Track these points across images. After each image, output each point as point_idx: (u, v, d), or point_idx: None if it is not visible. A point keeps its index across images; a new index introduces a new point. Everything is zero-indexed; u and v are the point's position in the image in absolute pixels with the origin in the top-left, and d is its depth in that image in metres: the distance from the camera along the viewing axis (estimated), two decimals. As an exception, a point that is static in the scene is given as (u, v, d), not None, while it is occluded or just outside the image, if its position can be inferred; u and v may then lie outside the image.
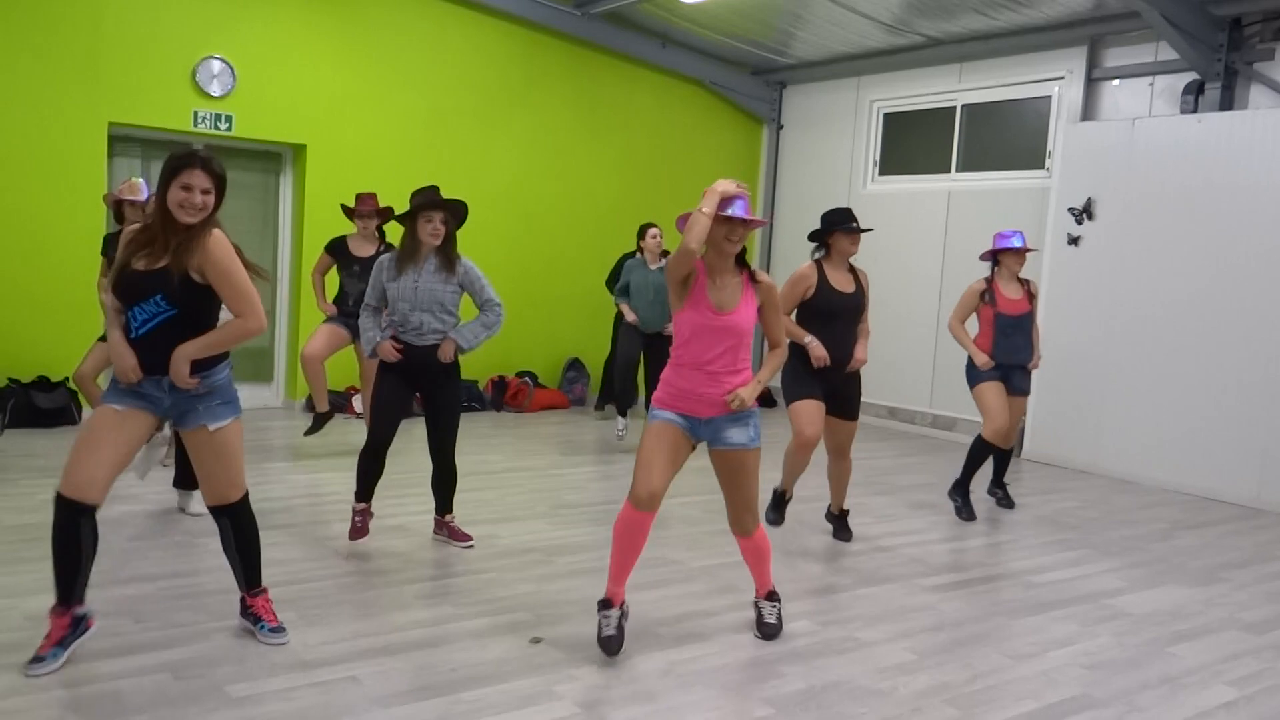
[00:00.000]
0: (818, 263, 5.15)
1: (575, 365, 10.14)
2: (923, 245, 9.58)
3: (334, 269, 6.96)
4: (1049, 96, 8.79)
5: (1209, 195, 7.31)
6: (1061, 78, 8.65)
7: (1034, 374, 6.51)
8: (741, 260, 3.75)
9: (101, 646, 3.51)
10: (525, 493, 6.26)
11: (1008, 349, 6.18)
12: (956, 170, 9.51)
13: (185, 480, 5.32)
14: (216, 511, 3.62)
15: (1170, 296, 7.52)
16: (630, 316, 7.85)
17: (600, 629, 3.70)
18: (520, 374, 9.76)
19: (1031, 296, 6.29)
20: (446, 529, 5.08)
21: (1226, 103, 7.55)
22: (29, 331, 7.52)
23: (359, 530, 4.81)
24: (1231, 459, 7.18)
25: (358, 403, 8.56)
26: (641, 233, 7.98)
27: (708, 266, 3.68)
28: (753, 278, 3.76)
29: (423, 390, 4.80)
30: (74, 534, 3.29)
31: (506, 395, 9.52)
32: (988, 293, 6.21)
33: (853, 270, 5.21)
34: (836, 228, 5.09)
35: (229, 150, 8.36)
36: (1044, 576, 5.12)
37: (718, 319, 3.65)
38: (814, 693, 3.52)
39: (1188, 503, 7.11)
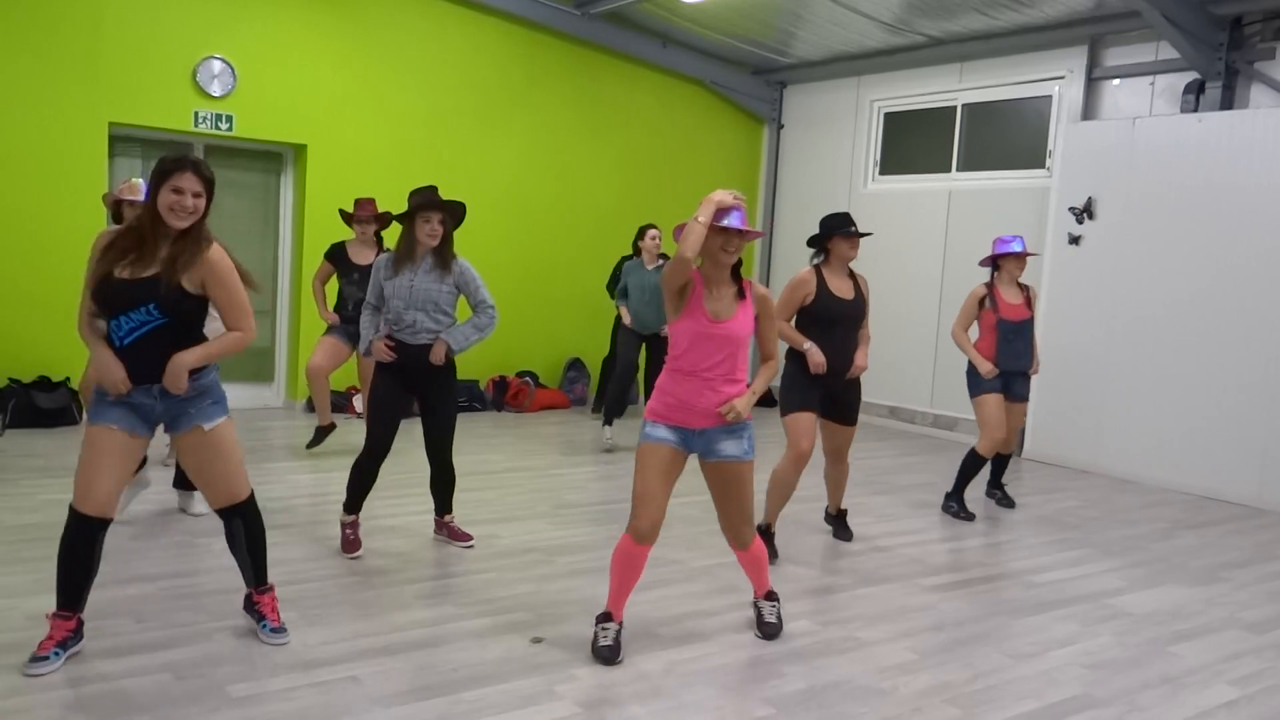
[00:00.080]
0: (817, 268, 5.09)
1: (576, 365, 10.13)
2: (923, 245, 9.58)
3: (333, 276, 6.96)
4: (1049, 96, 8.79)
5: (1210, 195, 7.31)
6: (1062, 77, 8.64)
7: (1033, 378, 6.50)
8: (736, 272, 3.76)
9: (102, 646, 3.52)
10: (526, 493, 6.26)
11: (1010, 355, 6.16)
12: (957, 170, 9.51)
13: (185, 480, 5.33)
14: (228, 513, 3.60)
15: (1171, 296, 7.51)
16: (628, 319, 7.84)
17: (597, 638, 3.69)
18: (521, 374, 9.76)
19: (1030, 302, 6.28)
20: (446, 529, 5.08)
21: (1227, 102, 7.55)
22: (29, 332, 7.52)
23: (353, 543, 4.79)
24: (1232, 458, 7.18)
25: (358, 402, 8.56)
26: (640, 234, 7.97)
27: (704, 277, 3.69)
28: (748, 288, 3.78)
29: (418, 392, 4.79)
30: (91, 548, 3.35)
31: (507, 395, 9.52)
32: (989, 298, 6.16)
33: (852, 276, 5.16)
34: (835, 232, 5.04)
35: (229, 150, 8.37)
36: (1045, 576, 5.12)
37: (715, 327, 3.65)
38: (815, 692, 3.52)
39: (1188, 502, 7.10)
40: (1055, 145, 8.55)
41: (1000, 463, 6.64)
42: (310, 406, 8.57)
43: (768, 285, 11.16)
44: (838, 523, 5.61)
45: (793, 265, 10.25)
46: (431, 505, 5.10)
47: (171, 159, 3.31)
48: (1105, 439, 7.90)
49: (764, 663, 3.77)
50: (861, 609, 4.43)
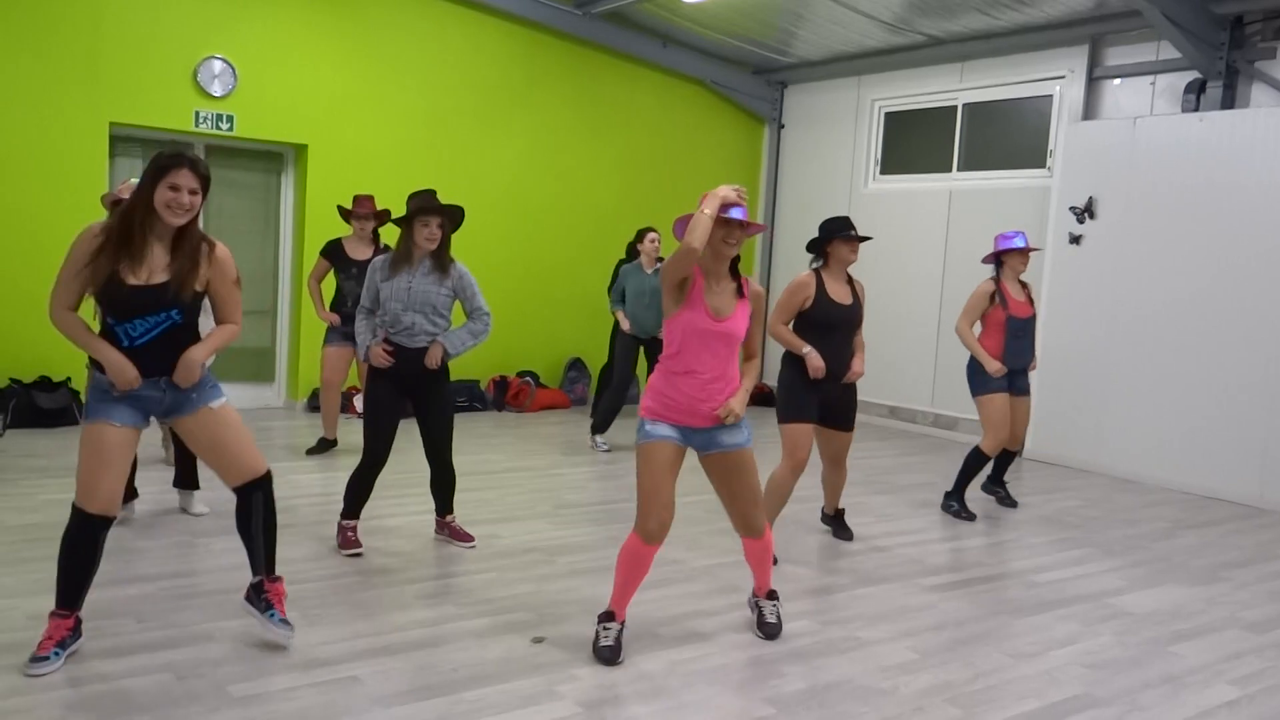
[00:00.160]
0: (816, 272, 5.06)
1: (576, 365, 10.13)
2: (924, 245, 9.58)
3: (330, 273, 6.96)
4: (1050, 95, 8.79)
5: (1210, 194, 7.30)
6: (1063, 77, 8.64)
7: (1031, 374, 6.49)
8: (734, 268, 3.76)
9: (103, 646, 3.52)
10: (526, 492, 6.26)
11: (1016, 352, 6.15)
12: (958, 169, 9.51)
13: (185, 480, 5.33)
14: (250, 488, 3.53)
15: (1172, 295, 7.51)
16: (625, 325, 7.78)
17: (599, 638, 3.69)
18: (521, 374, 9.76)
19: (1032, 299, 6.28)
20: (448, 529, 5.08)
21: (1228, 101, 7.54)
22: (30, 332, 7.51)
23: (353, 543, 4.79)
24: (1233, 458, 7.18)
25: (359, 402, 8.56)
26: (639, 236, 7.94)
27: (704, 270, 3.68)
28: (746, 285, 3.78)
29: (414, 395, 4.78)
30: (93, 546, 3.35)
31: (508, 395, 9.52)
32: (997, 294, 6.13)
33: (850, 281, 5.16)
34: (835, 235, 5.02)
35: (230, 150, 8.37)
36: (1045, 576, 5.12)
37: (717, 324, 3.64)
38: (815, 692, 3.52)
39: (1189, 502, 7.10)
40: (1056, 145, 8.55)
41: (1005, 460, 6.60)
42: (311, 407, 8.57)
43: (768, 286, 11.16)
44: (836, 522, 5.61)
45: (793, 266, 10.25)
46: (432, 505, 5.11)
47: (168, 155, 3.27)
48: (1106, 438, 7.90)
49: (765, 662, 3.77)
50: (862, 609, 4.43)
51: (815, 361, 4.97)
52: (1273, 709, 3.63)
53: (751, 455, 3.79)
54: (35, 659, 3.28)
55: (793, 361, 5.08)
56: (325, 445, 7.05)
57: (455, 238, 4.80)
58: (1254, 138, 7.11)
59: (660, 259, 7.87)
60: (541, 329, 9.95)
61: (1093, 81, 8.46)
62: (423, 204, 4.64)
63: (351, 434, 7.68)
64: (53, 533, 4.79)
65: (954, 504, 6.24)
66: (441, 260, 4.70)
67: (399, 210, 6.84)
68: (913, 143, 9.97)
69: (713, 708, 3.36)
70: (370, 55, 8.80)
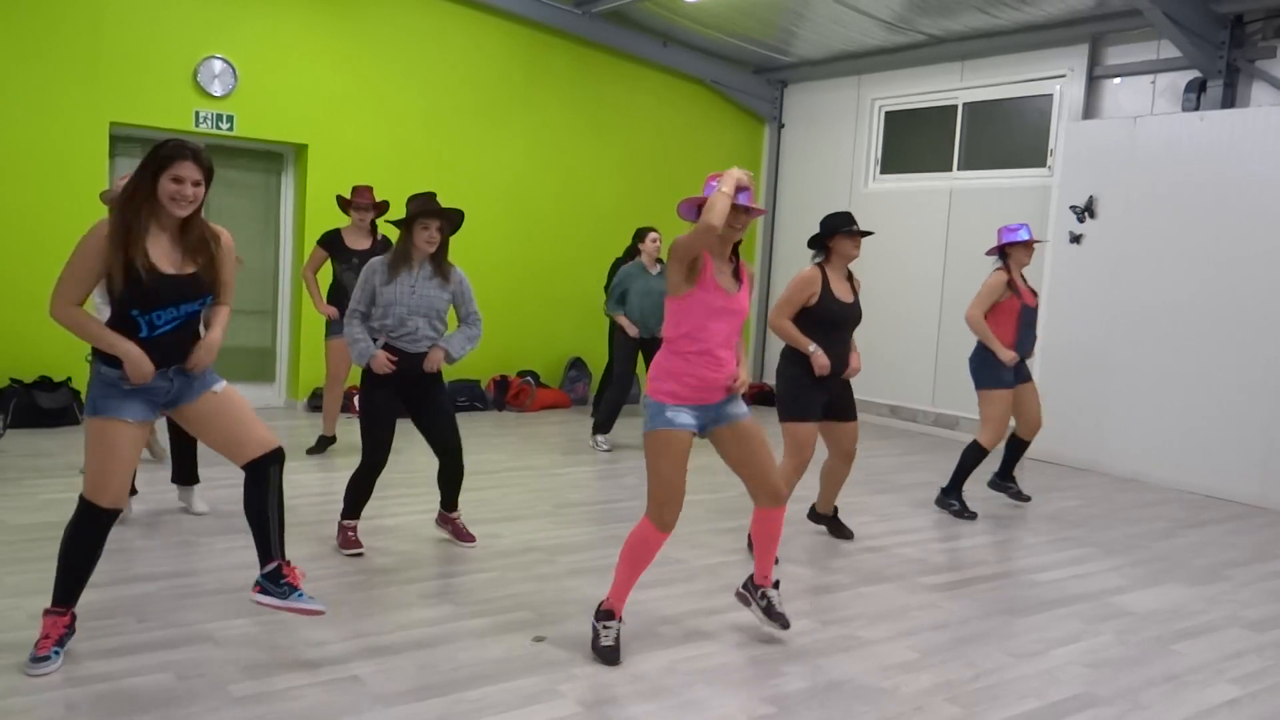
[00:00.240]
0: (820, 268, 5.05)
1: (577, 365, 10.13)
2: (924, 244, 9.57)
3: (324, 265, 6.94)
4: (1051, 95, 8.78)
5: (1211, 193, 7.30)
6: (1063, 76, 8.64)
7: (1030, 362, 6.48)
8: (735, 250, 3.80)
9: (104, 646, 3.52)
10: (527, 492, 6.26)
11: (1025, 342, 6.17)
12: (958, 169, 9.51)
13: (185, 475, 5.31)
14: (265, 460, 3.47)
15: (1172, 294, 7.51)
16: (632, 330, 7.73)
17: (600, 638, 3.67)
18: (522, 373, 9.76)
19: (1034, 290, 6.29)
20: (451, 525, 5.06)
21: (1228, 100, 7.54)
22: (31, 332, 7.51)
23: (353, 542, 4.79)
24: (1233, 457, 7.18)
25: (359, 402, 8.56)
26: (640, 236, 7.92)
27: (710, 251, 3.70)
28: (744, 267, 3.84)
29: (412, 397, 4.76)
30: (99, 541, 3.36)
31: (508, 395, 9.52)
32: (1011, 284, 6.10)
33: (850, 278, 5.15)
34: (838, 230, 5.01)
35: (230, 150, 8.37)
36: (1046, 575, 5.12)
37: (730, 301, 3.68)
38: (816, 691, 3.52)
39: (1190, 501, 7.10)
40: (1056, 144, 8.55)
41: (1016, 452, 6.53)
42: (313, 407, 8.57)
43: (768, 285, 11.18)
44: (834, 523, 5.58)
45: (793, 264, 10.25)
46: (433, 504, 5.11)
47: (170, 145, 3.25)
48: (1106, 438, 7.90)
49: (765, 662, 3.77)
50: (862, 608, 4.43)
51: (822, 360, 4.96)
52: (1274, 708, 3.63)
53: (757, 422, 3.84)
54: (36, 659, 3.28)
55: (797, 358, 5.04)
56: (324, 443, 7.04)
57: (455, 238, 4.80)
58: (1254, 137, 7.11)
59: (660, 260, 7.86)
60: (542, 329, 9.95)
61: (1093, 80, 8.46)
62: (422, 207, 4.63)
63: (351, 433, 7.68)
64: (54, 532, 4.78)
65: (954, 503, 6.22)
66: (441, 264, 4.71)
67: (398, 204, 6.85)
68: (913, 142, 9.97)
69: (713, 707, 3.36)
70: (370, 55, 8.80)
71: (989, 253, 6.28)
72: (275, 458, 3.51)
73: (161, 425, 5.61)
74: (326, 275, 6.96)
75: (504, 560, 4.83)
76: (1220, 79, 7.53)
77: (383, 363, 4.60)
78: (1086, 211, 8.02)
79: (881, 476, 7.33)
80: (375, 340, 4.68)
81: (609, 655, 3.64)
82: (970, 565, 5.23)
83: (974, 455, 6.16)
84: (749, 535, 5.16)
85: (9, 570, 4.27)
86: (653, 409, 3.66)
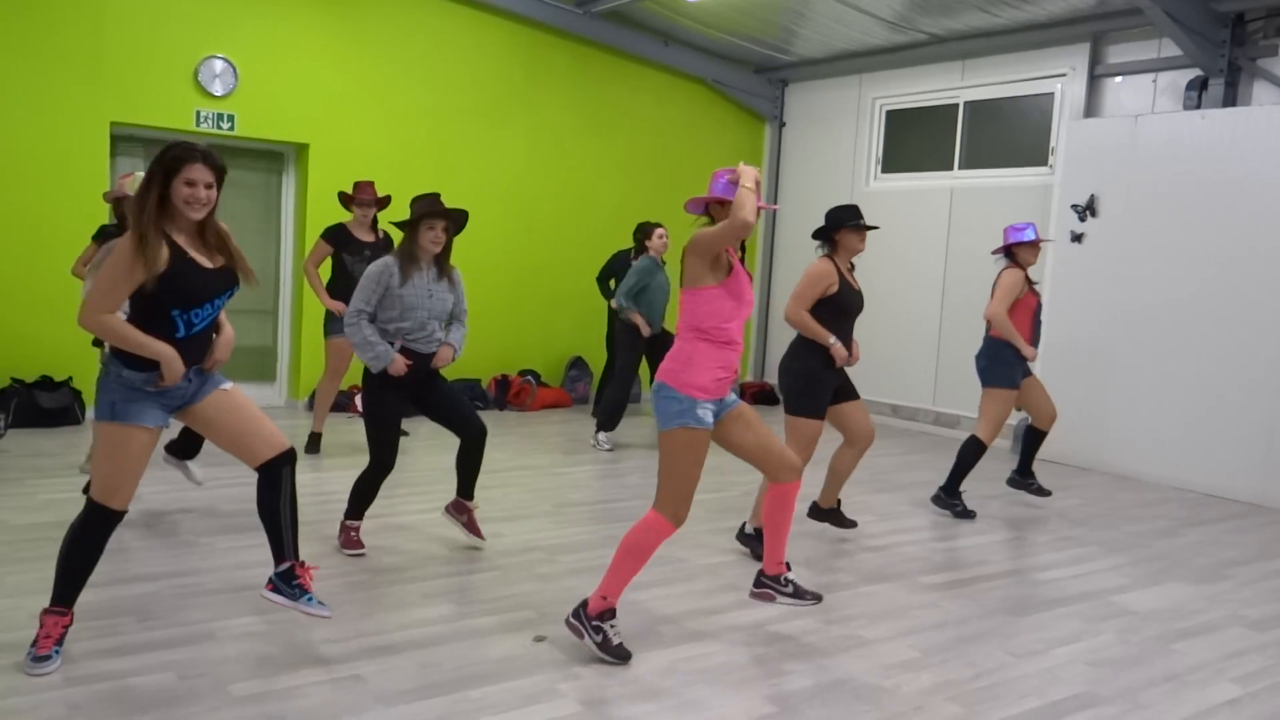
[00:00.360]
0: (831, 259, 5.04)
1: (578, 364, 10.13)
2: (925, 243, 9.57)
3: (326, 259, 6.91)
4: (1052, 93, 8.78)
5: (1212, 192, 7.30)
6: (1064, 74, 8.63)
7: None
8: (741, 246, 3.84)
9: (105, 646, 3.52)
10: (528, 491, 6.26)
11: (1036, 338, 6.20)
12: (959, 168, 9.50)
13: (179, 448, 5.26)
14: (278, 462, 3.47)
15: (1173, 293, 7.51)
16: (646, 330, 7.70)
17: (609, 638, 3.63)
18: (523, 373, 9.76)
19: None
20: (468, 516, 4.99)
21: (1230, 99, 7.54)
22: (32, 331, 7.53)
23: (355, 543, 4.79)
24: (1235, 456, 7.17)
25: (360, 401, 8.55)
26: (647, 233, 7.90)
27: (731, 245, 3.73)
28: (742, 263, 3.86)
29: (421, 395, 4.78)
30: (103, 542, 3.37)
31: (509, 394, 9.52)
32: (1028, 281, 6.08)
33: (851, 270, 5.17)
34: (845, 224, 5.02)
35: (231, 150, 8.37)
36: (1047, 574, 5.12)
37: (750, 293, 3.74)
38: (817, 690, 3.52)
39: (1191, 500, 7.10)
40: (1058, 143, 8.54)
41: (1034, 445, 6.49)
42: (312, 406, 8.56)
43: (769, 284, 11.18)
44: (836, 516, 5.55)
45: (794, 263, 10.25)
46: (433, 504, 5.10)
47: (178, 148, 3.24)
48: (1107, 436, 7.90)
49: (766, 661, 3.77)
50: (864, 607, 4.43)
51: (842, 351, 4.97)
52: (1275, 707, 3.63)
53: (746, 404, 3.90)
54: (36, 658, 3.29)
55: (812, 350, 5.01)
56: (317, 441, 6.99)
57: (455, 238, 4.81)
58: (1256, 135, 7.10)
59: (662, 261, 7.86)
60: (542, 328, 9.95)
61: (1094, 79, 8.46)
62: (428, 208, 4.65)
63: (351, 433, 7.69)
64: (55, 532, 4.79)
65: (955, 503, 6.20)
66: (444, 265, 4.74)
67: (402, 205, 6.84)
68: (914, 141, 9.96)
69: (714, 706, 3.36)
70: (371, 55, 8.80)
71: (995, 252, 6.26)
72: (287, 458, 3.51)
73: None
74: (324, 272, 6.95)
75: (505, 560, 4.83)
76: (1221, 78, 7.52)
77: (401, 366, 4.60)
78: (1088, 210, 8.02)
79: (882, 476, 7.33)
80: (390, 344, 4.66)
81: (623, 653, 3.63)
82: (971, 564, 5.23)
83: (972, 452, 6.15)
84: (742, 527, 5.19)
85: (9, 570, 4.27)
86: (683, 404, 3.58)
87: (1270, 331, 7.01)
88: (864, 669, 3.73)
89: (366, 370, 4.67)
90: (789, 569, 4.05)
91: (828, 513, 5.57)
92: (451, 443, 4.96)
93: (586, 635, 3.63)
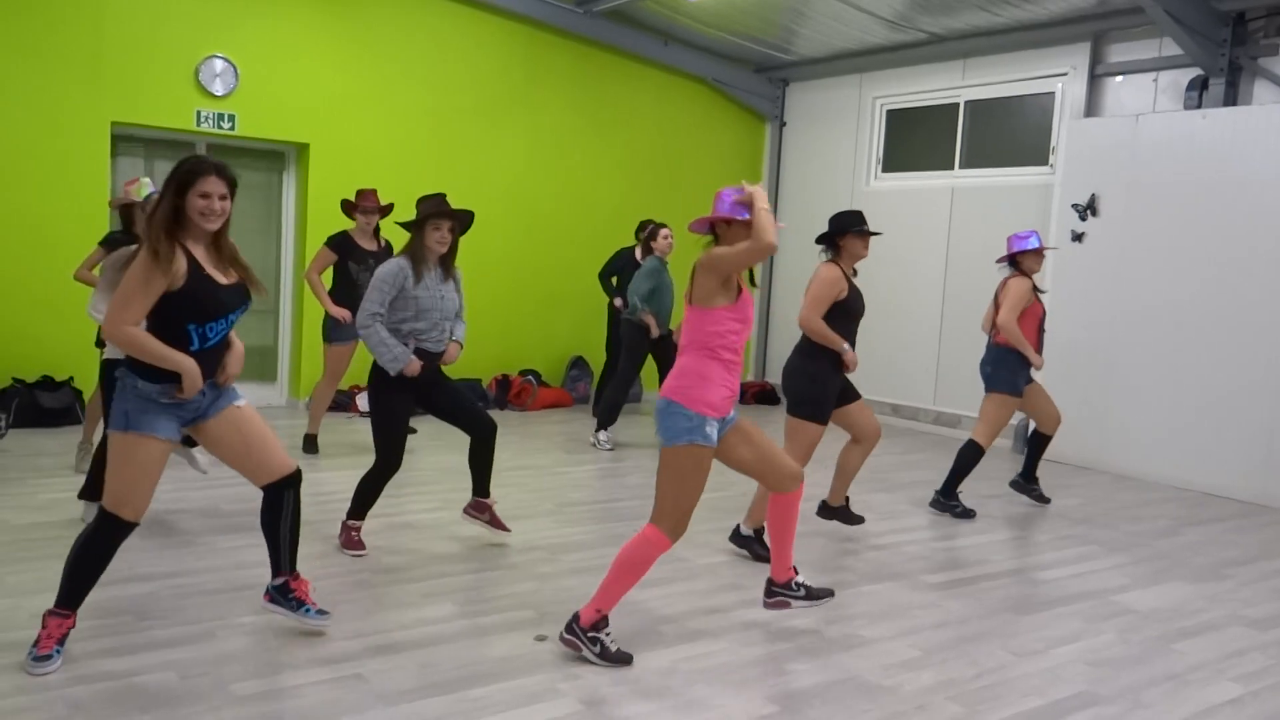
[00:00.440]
0: (835, 263, 5.04)
1: (578, 363, 10.13)
2: (926, 242, 9.57)
3: (329, 267, 6.90)
4: (1052, 93, 8.77)
5: (1213, 191, 7.30)
6: (1065, 74, 8.63)
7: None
8: None
9: (107, 645, 3.53)
10: (529, 491, 6.26)
11: (1040, 345, 6.20)
12: (960, 167, 9.50)
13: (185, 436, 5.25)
14: (283, 484, 3.55)
15: (1174, 292, 7.50)
16: (656, 331, 7.72)
17: (606, 647, 3.63)
18: (524, 372, 9.76)
19: None
20: (489, 513, 5.02)
21: (1230, 98, 7.53)
22: (33, 331, 7.53)
23: (356, 543, 4.79)
24: (1235, 455, 7.17)
25: (361, 401, 8.56)
26: (653, 233, 7.90)
27: None
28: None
29: (429, 395, 4.79)
30: (113, 551, 3.39)
31: (510, 394, 9.52)
32: (1035, 290, 6.10)
33: (855, 273, 5.18)
34: (850, 229, 5.02)
35: (232, 149, 8.38)
36: (1048, 573, 5.12)
37: (752, 314, 3.75)
38: (818, 690, 3.52)
39: (1191, 499, 7.10)
40: (1058, 142, 8.54)
41: (1041, 447, 6.53)
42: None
43: (769, 285, 11.18)
44: (844, 512, 5.57)
45: (794, 263, 10.24)
46: (435, 503, 5.11)
47: (192, 163, 3.31)
48: (1108, 436, 7.90)
49: (767, 660, 3.77)
50: (865, 606, 4.43)
51: (854, 358, 5.01)
52: (1275, 707, 3.63)
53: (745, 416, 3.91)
54: (38, 658, 3.29)
55: (821, 355, 5.01)
56: (312, 442, 6.99)
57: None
58: (1257, 134, 7.10)
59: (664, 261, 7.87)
60: (543, 328, 9.95)
61: (1095, 78, 8.45)
62: (434, 208, 4.66)
63: (351, 433, 7.70)
64: (55, 532, 4.81)
65: (954, 504, 6.20)
66: (450, 265, 4.77)
67: (402, 205, 6.85)
68: (915, 140, 9.96)
69: (715, 705, 3.36)
70: (371, 54, 8.80)
71: (999, 261, 6.27)
72: (291, 481, 3.58)
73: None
74: (325, 279, 6.94)
75: (506, 559, 4.83)
76: (1222, 77, 7.52)
77: (418, 367, 4.61)
78: (1088, 210, 8.01)
79: (883, 475, 7.33)
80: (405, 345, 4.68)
81: (624, 657, 3.63)
82: (972, 564, 5.23)
83: (970, 456, 6.16)
84: (736, 529, 5.17)
85: (10, 570, 4.27)
86: (692, 421, 3.58)
87: (1271, 331, 7.01)
88: (865, 668, 3.73)
89: (374, 370, 4.67)
90: (796, 572, 4.06)
91: (837, 510, 5.59)
92: (455, 442, 4.97)
93: (585, 648, 3.63)
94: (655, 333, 7.73)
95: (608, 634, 3.65)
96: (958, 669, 3.78)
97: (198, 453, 5.36)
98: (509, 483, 6.43)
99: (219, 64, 8.08)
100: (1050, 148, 8.75)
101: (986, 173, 9.27)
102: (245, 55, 8.19)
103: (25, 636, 3.47)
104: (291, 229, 8.87)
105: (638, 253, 8.70)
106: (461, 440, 5.03)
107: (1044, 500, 6.60)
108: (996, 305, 6.15)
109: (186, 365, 3.26)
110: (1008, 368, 6.08)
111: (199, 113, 8.04)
